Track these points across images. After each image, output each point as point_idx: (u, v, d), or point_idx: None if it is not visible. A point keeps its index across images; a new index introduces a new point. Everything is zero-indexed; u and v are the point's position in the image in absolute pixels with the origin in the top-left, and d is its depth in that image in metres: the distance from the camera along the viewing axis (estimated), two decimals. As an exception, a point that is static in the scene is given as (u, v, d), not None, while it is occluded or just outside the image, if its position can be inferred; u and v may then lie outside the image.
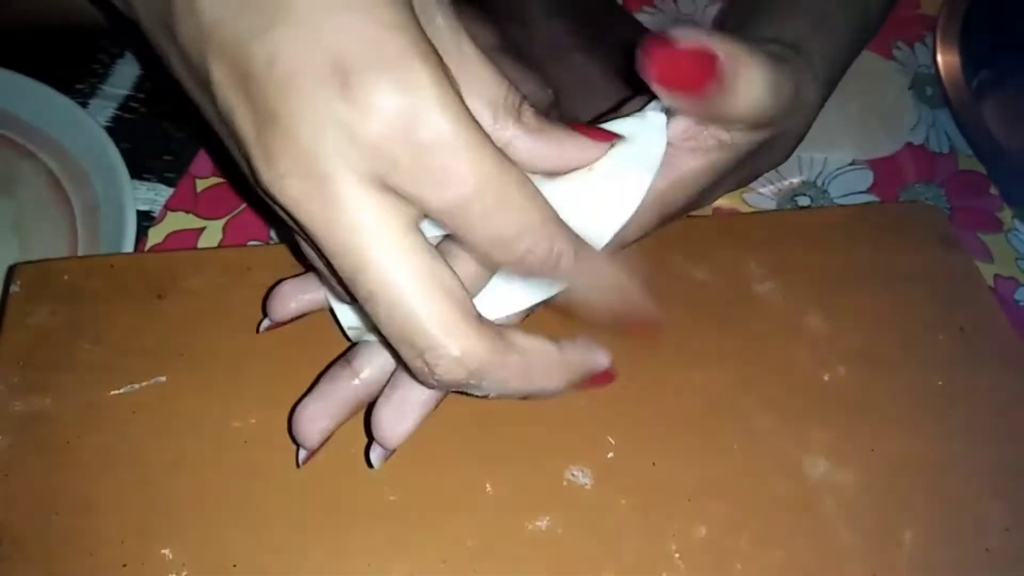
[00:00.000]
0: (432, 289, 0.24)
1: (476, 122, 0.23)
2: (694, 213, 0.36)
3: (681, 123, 0.31)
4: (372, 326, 0.28)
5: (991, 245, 0.50)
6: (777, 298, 0.39)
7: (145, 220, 0.46)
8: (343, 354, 0.33)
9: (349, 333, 0.33)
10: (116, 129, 0.50)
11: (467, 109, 0.23)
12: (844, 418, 0.36)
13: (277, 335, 0.36)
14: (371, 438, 0.31)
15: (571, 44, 0.46)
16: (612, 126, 0.30)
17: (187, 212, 0.47)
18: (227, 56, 0.23)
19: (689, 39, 0.27)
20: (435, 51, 0.23)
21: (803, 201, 0.51)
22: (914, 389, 0.37)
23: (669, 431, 0.35)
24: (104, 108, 0.51)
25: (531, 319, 0.34)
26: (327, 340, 0.36)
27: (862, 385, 0.37)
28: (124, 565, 0.31)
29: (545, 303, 0.32)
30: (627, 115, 0.31)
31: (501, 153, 0.24)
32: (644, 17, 0.59)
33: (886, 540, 0.33)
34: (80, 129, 0.47)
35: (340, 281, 0.25)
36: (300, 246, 0.28)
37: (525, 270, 0.25)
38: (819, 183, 0.52)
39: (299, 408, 0.32)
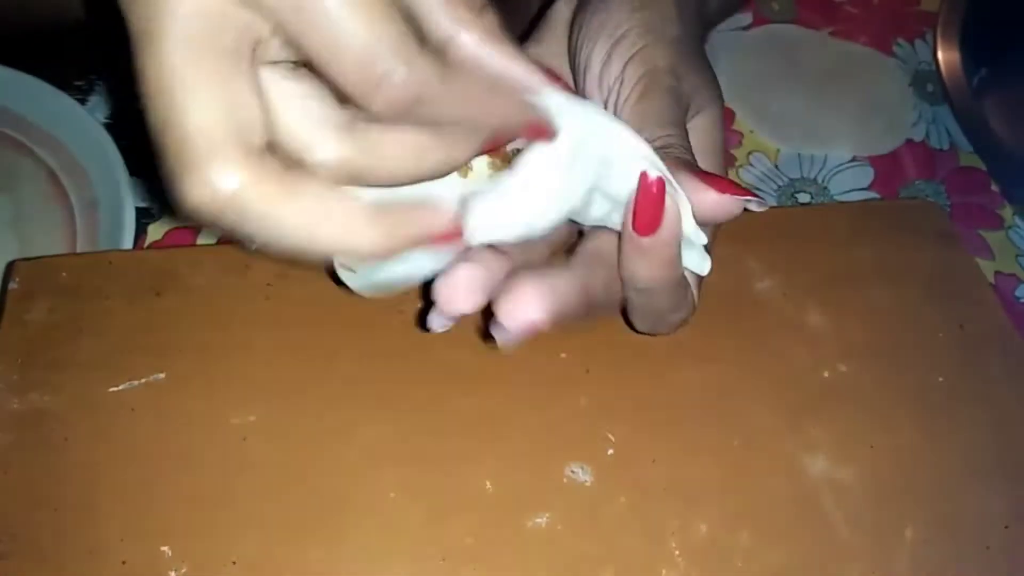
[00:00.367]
0: (373, 12, 0.22)
1: None
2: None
3: None
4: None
5: (992, 242, 0.50)
6: (777, 295, 0.39)
7: (144, 217, 0.46)
8: None
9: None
10: (115, 126, 0.50)
11: None
12: (844, 415, 0.36)
13: (276, 333, 0.36)
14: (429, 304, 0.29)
15: None
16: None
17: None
18: None
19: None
20: None
21: (803, 198, 0.51)
22: (914, 386, 0.37)
23: (669, 428, 0.35)
24: (103, 105, 0.51)
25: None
26: (327, 337, 0.36)
27: (862, 382, 0.37)
28: (123, 562, 0.31)
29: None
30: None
31: None
32: None
33: (886, 537, 0.33)
34: (79, 126, 0.47)
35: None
36: None
37: (387, 103, 0.22)
38: (819, 180, 0.52)
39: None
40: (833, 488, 0.34)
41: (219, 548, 0.31)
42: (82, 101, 0.51)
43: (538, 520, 0.32)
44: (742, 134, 0.53)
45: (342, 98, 0.24)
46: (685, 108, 0.32)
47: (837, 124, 0.54)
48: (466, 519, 0.32)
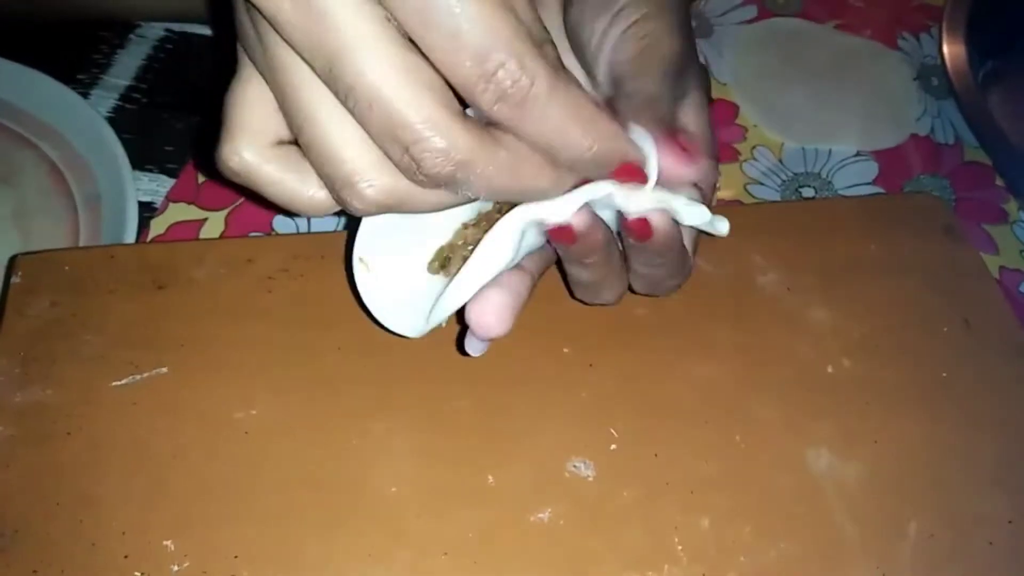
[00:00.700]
0: (413, 81, 0.24)
1: None
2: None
3: None
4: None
5: (996, 237, 0.49)
6: (781, 290, 0.39)
7: (147, 211, 0.46)
8: None
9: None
10: (118, 120, 0.50)
11: None
12: (848, 410, 0.36)
13: (278, 327, 0.36)
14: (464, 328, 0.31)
15: None
16: None
17: (189, 203, 0.47)
18: None
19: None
20: None
21: (807, 192, 0.51)
22: (918, 381, 0.37)
23: (672, 423, 0.35)
24: (105, 99, 0.51)
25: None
26: (329, 331, 0.36)
27: (866, 377, 0.37)
28: (126, 556, 0.31)
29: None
30: None
31: None
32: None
33: (890, 532, 0.33)
34: (82, 120, 0.47)
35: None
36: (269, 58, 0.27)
37: (492, 96, 0.24)
38: (823, 174, 0.51)
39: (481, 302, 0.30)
40: (837, 483, 0.34)
41: (221, 542, 0.31)
42: (85, 95, 0.50)
43: (540, 515, 0.32)
44: (746, 128, 0.53)
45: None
46: (680, 71, 0.31)
47: (842, 118, 0.54)
48: (468, 514, 0.32)
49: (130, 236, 0.43)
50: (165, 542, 0.31)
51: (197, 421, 0.34)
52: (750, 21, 0.58)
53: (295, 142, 0.27)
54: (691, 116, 0.33)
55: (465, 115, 0.25)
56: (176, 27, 0.54)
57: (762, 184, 0.50)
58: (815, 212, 0.43)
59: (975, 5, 0.57)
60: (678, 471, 0.34)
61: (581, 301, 0.34)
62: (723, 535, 0.32)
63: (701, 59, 0.54)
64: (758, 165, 0.51)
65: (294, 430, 0.34)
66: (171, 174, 0.48)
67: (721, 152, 0.51)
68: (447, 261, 0.31)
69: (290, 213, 0.29)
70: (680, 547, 0.32)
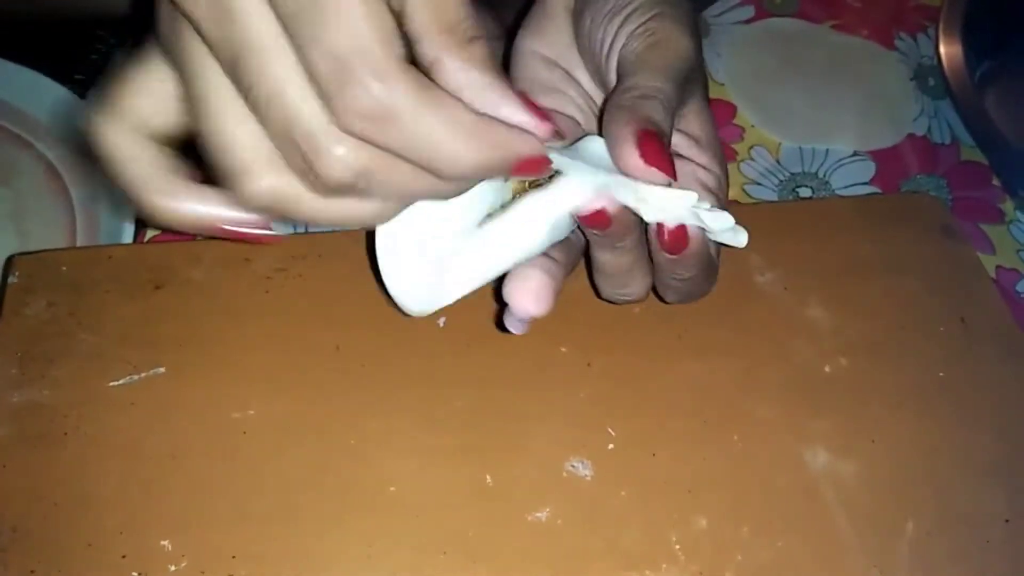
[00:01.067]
0: (311, 83, 0.23)
1: None
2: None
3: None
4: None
5: (993, 236, 0.49)
6: (778, 289, 0.39)
7: (144, 211, 0.46)
8: None
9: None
10: (115, 120, 0.50)
11: None
12: (845, 409, 0.36)
13: (275, 327, 0.36)
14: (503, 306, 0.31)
15: None
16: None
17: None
18: None
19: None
20: None
21: (804, 192, 0.51)
22: (915, 380, 0.37)
23: (669, 422, 0.35)
24: (103, 98, 0.51)
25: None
26: (326, 331, 0.36)
27: (863, 376, 0.37)
28: (123, 556, 0.31)
29: None
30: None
31: None
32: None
33: (886, 531, 0.33)
34: (79, 119, 0.47)
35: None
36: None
37: (353, 111, 0.22)
38: (821, 174, 0.51)
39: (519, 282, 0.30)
40: (834, 482, 0.34)
41: (219, 541, 0.31)
42: (82, 95, 0.50)
43: (538, 514, 0.32)
44: (743, 128, 0.53)
45: None
46: (689, 73, 0.31)
47: (839, 118, 0.54)
48: (466, 513, 0.32)
49: (127, 236, 0.43)
50: (162, 542, 0.31)
51: (195, 421, 0.34)
52: (747, 21, 0.58)
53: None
54: (695, 122, 0.33)
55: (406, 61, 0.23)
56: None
57: (759, 184, 0.51)
58: (812, 212, 0.43)
59: (971, 5, 0.57)
60: (675, 470, 0.34)
61: (609, 300, 0.33)
62: (720, 534, 0.32)
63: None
64: (755, 165, 0.51)
65: (292, 430, 0.34)
66: (168, 174, 0.48)
67: (718, 152, 0.51)
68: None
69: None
70: (678, 546, 0.32)
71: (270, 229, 0.27)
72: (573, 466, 0.34)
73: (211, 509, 0.32)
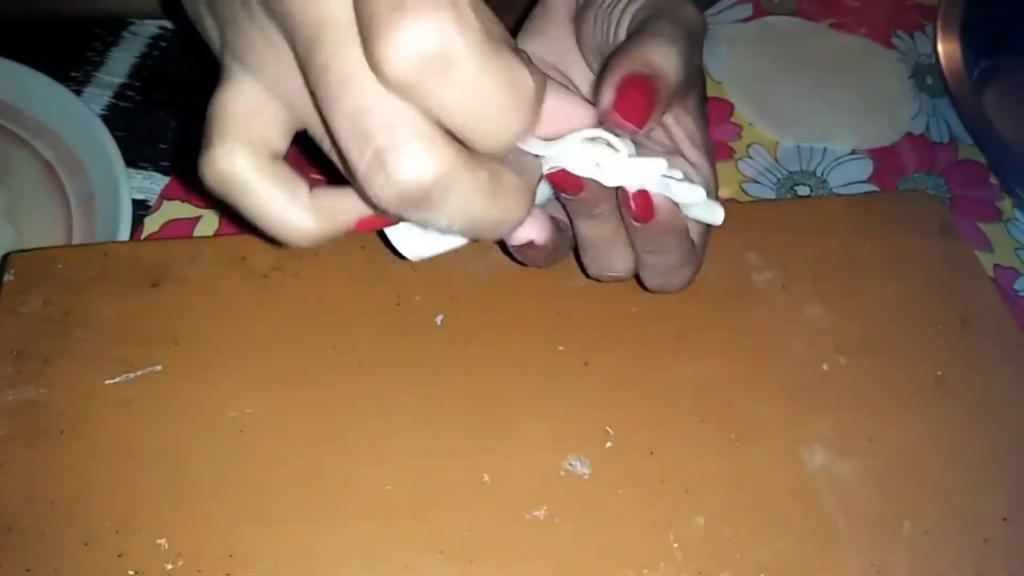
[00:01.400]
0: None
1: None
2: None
3: None
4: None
5: (991, 235, 0.49)
6: (776, 288, 0.39)
7: (141, 209, 0.46)
8: None
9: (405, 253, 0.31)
10: (111, 117, 0.50)
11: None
12: (843, 408, 0.36)
13: (273, 325, 0.36)
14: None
15: None
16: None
17: (183, 201, 0.47)
18: None
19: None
20: None
21: (803, 191, 0.51)
22: (913, 379, 0.37)
23: (667, 421, 0.35)
24: (99, 96, 0.51)
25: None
26: (324, 329, 0.36)
27: (861, 375, 0.37)
28: (120, 555, 0.31)
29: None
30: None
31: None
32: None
33: (885, 530, 0.33)
34: (75, 117, 0.47)
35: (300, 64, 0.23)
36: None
37: (407, 44, 0.20)
38: (819, 173, 0.51)
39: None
40: (832, 481, 0.34)
41: (215, 540, 0.31)
42: (78, 92, 0.50)
43: (536, 513, 0.32)
44: (741, 127, 0.53)
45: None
46: (692, 36, 0.31)
47: (836, 117, 0.54)
48: (464, 512, 0.32)
49: (124, 234, 0.43)
50: (159, 540, 0.31)
51: (191, 420, 0.34)
52: (745, 20, 0.58)
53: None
54: (688, 117, 0.33)
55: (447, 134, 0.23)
56: (170, 24, 0.54)
57: (757, 182, 0.50)
58: (810, 210, 0.43)
59: (969, 4, 0.57)
60: (673, 469, 0.34)
61: (596, 279, 0.34)
62: (718, 533, 0.32)
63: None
64: (753, 163, 0.51)
65: (289, 428, 0.34)
66: (165, 172, 0.48)
67: (716, 150, 0.51)
68: None
69: (266, 236, 0.26)
70: (676, 545, 0.32)
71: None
72: (571, 465, 0.34)
73: (208, 508, 0.32)
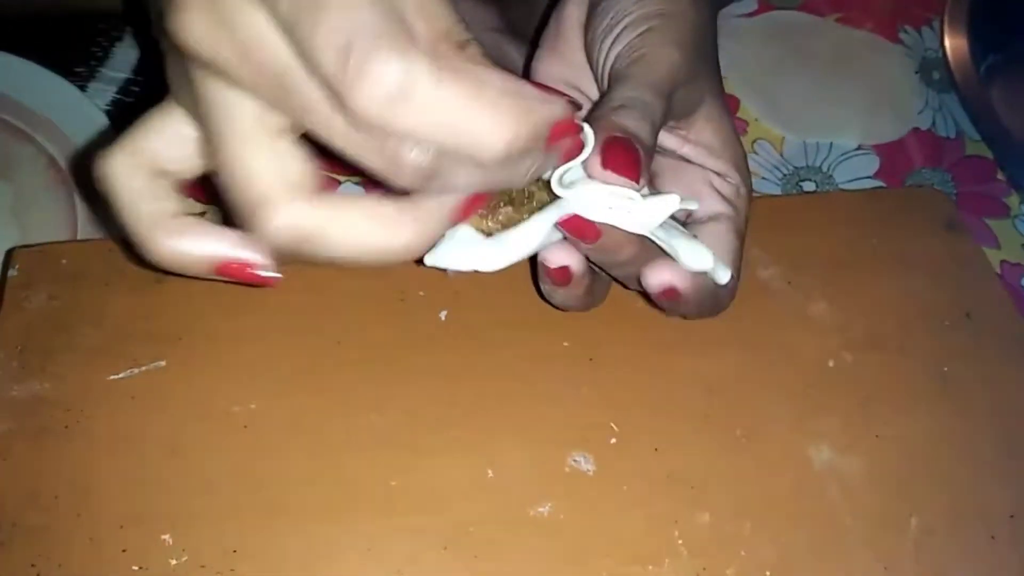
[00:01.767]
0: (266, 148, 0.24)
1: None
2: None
3: None
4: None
5: (998, 231, 0.49)
6: (782, 284, 0.39)
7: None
8: None
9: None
10: (116, 112, 0.50)
11: None
12: (849, 405, 0.36)
13: (277, 320, 0.36)
14: None
15: None
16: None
17: (187, 196, 0.47)
18: None
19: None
20: None
21: (809, 186, 0.50)
22: (920, 375, 0.37)
23: (672, 417, 0.35)
24: (103, 91, 0.51)
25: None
26: (328, 325, 0.36)
27: (867, 371, 0.37)
28: (124, 550, 0.31)
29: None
30: None
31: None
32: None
33: (891, 527, 0.33)
34: (79, 112, 0.47)
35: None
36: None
37: (367, 96, 0.21)
38: (825, 168, 0.51)
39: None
40: (838, 478, 0.34)
41: (219, 536, 0.31)
42: (83, 88, 0.50)
43: (540, 509, 0.32)
44: (747, 122, 0.53)
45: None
46: (677, 84, 0.31)
47: (843, 112, 0.54)
48: (468, 508, 0.32)
49: (128, 230, 0.43)
50: (163, 536, 0.31)
51: (195, 415, 0.34)
52: (751, 14, 0.58)
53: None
54: (706, 129, 0.33)
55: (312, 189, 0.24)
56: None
57: (763, 178, 0.50)
58: (816, 206, 0.43)
59: (977, -1, 0.56)
60: (678, 465, 0.34)
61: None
62: (723, 529, 0.32)
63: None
64: (759, 159, 0.51)
65: (293, 424, 0.34)
66: (169, 167, 0.48)
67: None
68: (489, 213, 0.30)
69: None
70: (680, 541, 0.32)
71: (273, 271, 0.27)
72: (575, 461, 0.34)
73: (212, 503, 0.32)
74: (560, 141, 0.26)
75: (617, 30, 0.32)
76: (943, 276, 0.40)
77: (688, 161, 0.33)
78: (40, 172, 0.46)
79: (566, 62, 0.35)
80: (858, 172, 0.51)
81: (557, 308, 0.34)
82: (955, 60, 0.55)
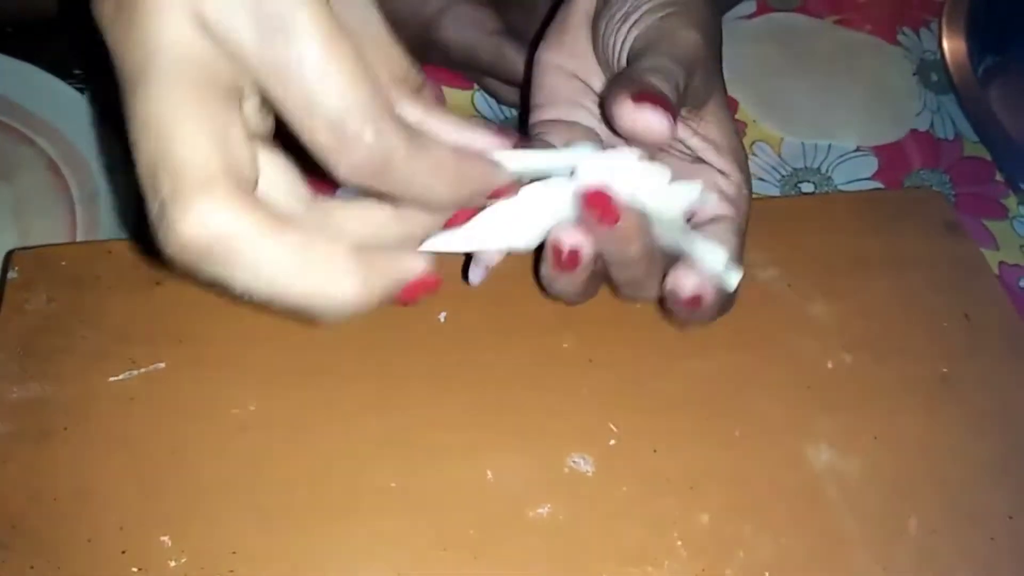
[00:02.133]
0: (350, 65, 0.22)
1: None
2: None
3: None
4: None
5: (996, 232, 0.49)
6: (781, 285, 0.39)
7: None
8: None
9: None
10: (115, 115, 0.50)
11: None
12: (848, 406, 0.36)
13: (276, 322, 0.36)
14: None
15: None
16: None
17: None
18: None
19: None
20: None
21: (807, 188, 0.50)
22: (918, 376, 0.37)
23: (671, 418, 0.35)
24: (103, 94, 0.51)
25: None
26: (326, 328, 0.36)
27: (866, 373, 0.37)
28: (123, 552, 0.31)
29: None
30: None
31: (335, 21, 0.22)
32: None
33: (890, 528, 0.33)
34: (80, 115, 0.47)
35: None
36: None
37: (353, 166, 0.22)
38: (823, 169, 0.51)
39: None
40: (837, 479, 0.34)
41: (219, 538, 0.31)
42: (82, 90, 0.50)
43: (540, 510, 0.32)
44: (746, 123, 0.53)
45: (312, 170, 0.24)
46: (696, 63, 0.31)
47: (841, 113, 0.54)
48: (467, 509, 0.32)
49: (128, 232, 0.43)
50: (162, 538, 0.31)
51: (195, 417, 0.34)
52: (749, 16, 0.58)
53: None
54: (713, 125, 0.33)
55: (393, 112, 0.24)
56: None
57: (762, 179, 0.50)
58: (815, 207, 0.43)
59: (975, 0, 0.56)
60: (678, 466, 0.34)
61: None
62: (723, 531, 0.32)
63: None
64: (757, 160, 0.51)
65: (292, 426, 0.34)
66: (169, 170, 0.48)
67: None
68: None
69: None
70: (680, 542, 0.32)
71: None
72: (575, 462, 0.34)
73: (211, 505, 0.32)
74: (496, 198, 0.28)
75: (636, 15, 0.32)
76: (942, 277, 0.40)
77: (693, 156, 0.34)
78: (40, 175, 0.46)
79: (571, 53, 0.35)
80: (857, 173, 0.51)
81: (552, 297, 0.33)
82: (953, 62, 0.55)
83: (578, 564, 0.31)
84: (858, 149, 0.52)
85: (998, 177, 0.52)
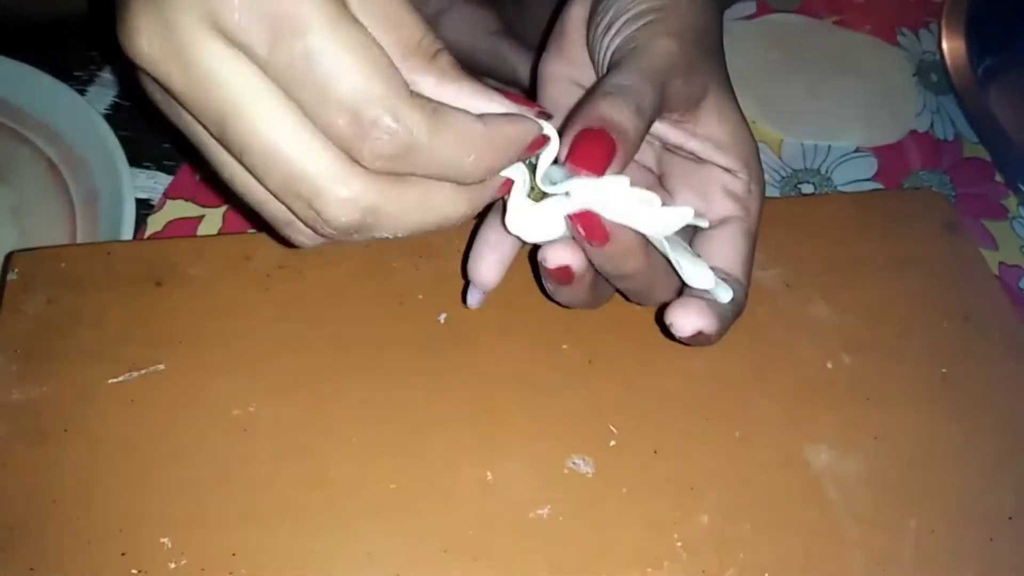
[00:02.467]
0: (303, 134, 0.23)
1: None
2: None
3: None
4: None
5: (996, 232, 0.49)
6: (780, 286, 0.39)
7: (144, 208, 0.46)
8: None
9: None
10: (115, 116, 0.50)
11: None
12: (848, 406, 0.36)
13: (276, 323, 0.36)
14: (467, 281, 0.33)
15: None
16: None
17: (186, 200, 0.47)
18: None
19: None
20: None
21: (807, 189, 0.50)
22: (918, 377, 0.37)
23: (671, 419, 0.35)
24: (103, 95, 0.51)
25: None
26: (327, 328, 0.36)
27: (866, 373, 0.37)
28: (123, 553, 0.31)
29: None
30: None
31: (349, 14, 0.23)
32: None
33: (890, 529, 0.33)
34: (79, 116, 0.47)
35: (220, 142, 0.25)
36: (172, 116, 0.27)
37: (376, 153, 0.24)
38: (823, 170, 0.51)
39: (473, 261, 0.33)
40: (836, 479, 0.34)
41: (219, 539, 0.31)
42: (82, 91, 0.50)
43: (540, 511, 0.32)
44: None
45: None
46: (664, 73, 0.31)
47: (841, 114, 0.54)
48: (467, 510, 0.32)
49: (127, 233, 0.43)
50: (162, 539, 0.31)
51: (195, 418, 0.34)
52: (749, 17, 0.58)
53: None
54: (711, 121, 0.32)
55: (366, 168, 0.25)
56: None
57: (761, 180, 0.50)
58: (815, 208, 0.43)
59: (975, 1, 0.56)
60: (677, 468, 0.34)
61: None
62: (723, 532, 0.32)
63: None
64: (757, 161, 0.51)
65: (292, 427, 0.34)
66: (169, 171, 0.48)
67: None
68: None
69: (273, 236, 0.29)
70: (679, 544, 0.32)
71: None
72: (574, 463, 0.34)
73: (211, 507, 0.32)
74: (532, 152, 0.28)
75: (617, 25, 0.32)
76: (941, 278, 0.40)
77: (697, 157, 0.33)
78: (39, 176, 0.46)
79: (571, 61, 0.35)
80: (856, 174, 0.51)
81: (561, 306, 0.34)
82: (953, 62, 0.55)
83: (578, 565, 0.31)
84: (858, 150, 0.52)
85: (998, 178, 0.52)
